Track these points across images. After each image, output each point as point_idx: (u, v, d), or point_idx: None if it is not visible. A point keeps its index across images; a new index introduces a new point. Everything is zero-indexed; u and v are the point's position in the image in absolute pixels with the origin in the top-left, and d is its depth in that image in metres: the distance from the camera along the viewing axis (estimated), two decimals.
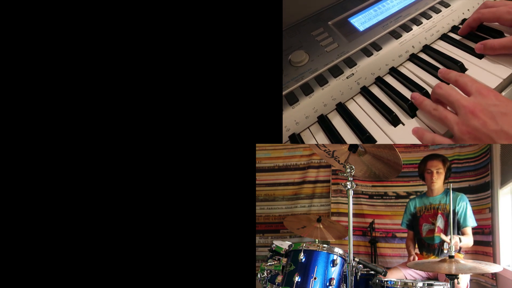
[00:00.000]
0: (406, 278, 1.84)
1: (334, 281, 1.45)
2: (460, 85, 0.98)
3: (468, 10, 1.44)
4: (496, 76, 1.12)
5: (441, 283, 1.52)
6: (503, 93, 1.12)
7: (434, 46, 1.34)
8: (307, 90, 1.17)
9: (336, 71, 1.21)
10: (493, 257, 2.15)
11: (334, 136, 1.10)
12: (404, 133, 1.05)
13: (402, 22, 1.37)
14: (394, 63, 1.29)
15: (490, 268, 1.42)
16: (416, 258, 1.92)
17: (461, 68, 1.19)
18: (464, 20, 1.40)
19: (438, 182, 1.94)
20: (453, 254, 1.41)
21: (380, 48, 1.28)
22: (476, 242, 1.95)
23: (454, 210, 1.87)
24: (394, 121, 1.08)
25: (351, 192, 1.32)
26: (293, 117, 1.14)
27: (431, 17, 1.39)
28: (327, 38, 1.31)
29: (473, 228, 1.89)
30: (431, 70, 1.22)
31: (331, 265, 1.48)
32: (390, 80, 1.25)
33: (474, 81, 0.96)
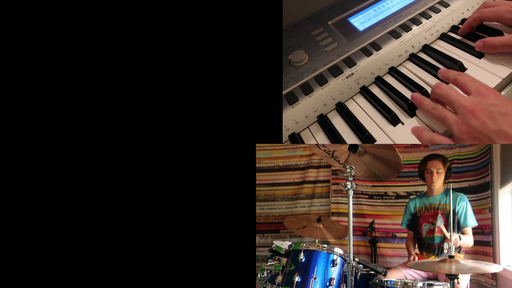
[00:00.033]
0: (406, 278, 1.84)
1: (334, 281, 1.45)
2: (459, 84, 0.98)
3: (468, 10, 1.44)
4: (495, 76, 1.12)
5: (441, 283, 1.52)
6: (503, 93, 1.12)
7: (434, 45, 1.34)
8: (307, 89, 1.17)
9: (335, 71, 1.21)
10: (493, 257, 2.15)
11: (334, 136, 1.10)
12: (404, 132, 1.05)
13: (401, 22, 1.37)
14: (394, 63, 1.29)
15: (490, 268, 1.42)
16: (416, 258, 1.92)
17: (461, 68, 1.19)
18: (463, 20, 1.40)
19: (438, 182, 1.94)
20: (453, 254, 1.41)
21: (380, 48, 1.28)
22: (476, 242, 1.95)
23: (454, 210, 1.87)
24: (394, 120, 1.08)
25: (351, 192, 1.32)
26: (293, 117, 1.14)
27: (431, 17, 1.39)
28: (327, 38, 1.31)
29: (473, 228, 1.89)
30: (431, 69, 1.22)
31: (331, 265, 1.48)
32: (389, 79, 1.25)
33: (474, 80, 0.96)
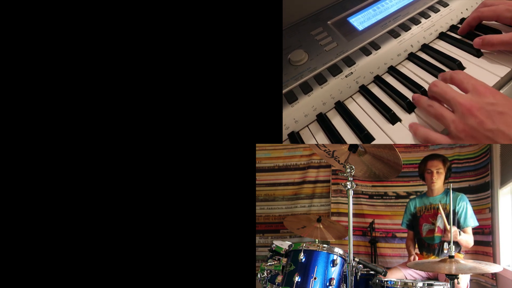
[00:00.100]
0: (406, 278, 1.84)
1: (334, 281, 1.45)
2: (456, 82, 0.98)
3: (467, 9, 1.45)
4: (494, 75, 1.12)
5: (441, 283, 1.52)
6: (501, 91, 1.12)
7: (433, 45, 1.35)
8: (306, 89, 1.17)
9: (335, 70, 1.21)
10: (493, 257, 2.14)
11: (334, 136, 1.10)
12: (402, 131, 1.06)
13: (401, 21, 1.37)
14: (393, 62, 1.29)
15: (490, 268, 1.42)
16: (416, 258, 1.92)
17: (459, 67, 1.19)
18: (462, 19, 1.40)
19: (438, 182, 1.94)
20: (453, 254, 1.41)
21: (379, 47, 1.29)
22: (476, 242, 1.95)
23: (454, 210, 1.87)
24: (392, 119, 1.09)
25: (351, 192, 1.32)
26: (292, 116, 1.14)
27: (430, 16, 1.40)
28: (326, 38, 1.31)
29: (473, 228, 1.89)
30: (430, 69, 1.23)
31: (331, 265, 1.48)
32: (388, 79, 1.25)
33: (470, 78, 0.96)
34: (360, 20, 1.38)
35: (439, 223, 1.89)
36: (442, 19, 1.40)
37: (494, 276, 2.13)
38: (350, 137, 1.09)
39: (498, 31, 1.25)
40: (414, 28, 1.36)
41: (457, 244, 1.83)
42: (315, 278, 1.45)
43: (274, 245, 1.78)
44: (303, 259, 1.49)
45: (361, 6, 1.43)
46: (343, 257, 1.51)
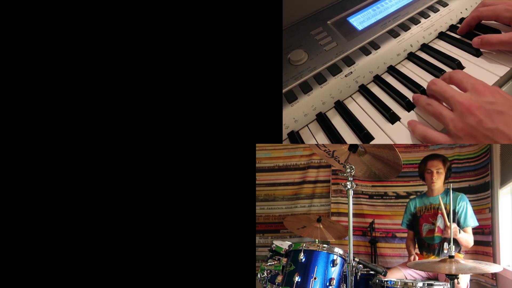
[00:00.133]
0: (406, 278, 1.84)
1: (334, 281, 1.45)
2: (454, 81, 0.98)
3: (466, 9, 1.45)
4: (493, 74, 1.12)
5: (441, 283, 1.52)
6: None
7: (432, 45, 1.35)
8: (306, 88, 1.17)
9: (334, 70, 1.22)
10: (493, 257, 2.14)
11: (333, 136, 1.10)
12: (402, 130, 1.06)
13: (400, 21, 1.38)
14: (392, 62, 1.29)
15: (490, 268, 1.42)
16: (417, 258, 1.92)
17: (459, 66, 1.19)
18: (462, 19, 1.41)
19: (438, 182, 1.94)
20: (453, 254, 1.41)
21: (379, 47, 1.29)
22: (476, 242, 1.95)
23: (454, 210, 1.87)
24: (392, 118, 1.09)
25: (351, 192, 1.32)
26: (292, 115, 1.14)
27: (429, 16, 1.40)
28: (326, 37, 1.32)
29: (473, 228, 1.89)
30: (429, 68, 1.23)
31: (331, 265, 1.48)
32: (388, 78, 1.25)
33: (470, 77, 0.96)
34: (359, 20, 1.39)
35: (439, 223, 1.89)
36: (442, 19, 1.41)
37: (494, 276, 2.13)
38: (349, 137, 1.09)
39: (497, 31, 1.25)
40: (414, 28, 1.36)
41: (457, 244, 1.83)
42: (315, 278, 1.45)
43: (274, 245, 1.78)
44: (303, 259, 1.49)
45: (361, 6, 1.43)
46: (343, 257, 1.51)
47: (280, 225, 2.69)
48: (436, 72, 1.20)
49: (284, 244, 1.75)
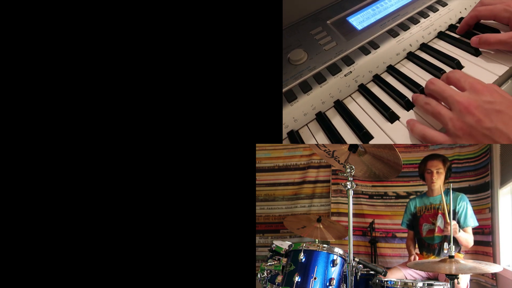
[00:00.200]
0: (406, 278, 1.84)
1: (334, 281, 1.45)
2: (452, 81, 0.98)
3: (465, 9, 1.45)
4: (492, 73, 1.12)
5: (441, 283, 1.52)
6: None
7: (432, 44, 1.35)
8: (305, 88, 1.18)
9: (334, 69, 1.22)
10: (493, 257, 2.14)
11: (333, 135, 1.10)
12: (401, 129, 1.06)
13: (399, 21, 1.38)
14: (392, 61, 1.29)
15: (490, 268, 1.42)
16: (417, 258, 1.92)
17: (458, 66, 1.20)
18: (461, 19, 1.41)
19: (438, 182, 1.94)
20: (453, 254, 1.41)
21: (378, 47, 1.29)
22: (476, 242, 1.95)
23: (454, 210, 1.87)
24: (391, 117, 1.09)
25: (351, 192, 1.32)
26: (291, 115, 1.14)
27: (429, 16, 1.40)
28: (325, 37, 1.32)
29: (473, 228, 1.89)
30: (429, 68, 1.23)
31: (331, 265, 1.48)
32: (388, 78, 1.25)
33: (467, 76, 0.96)
34: (359, 20, 1.39)
35: (439, 223, 1.89)
36: (441, 19, 1.41)
37: (494, 276, 2.13)
38: (349, 136, 1.09)
39: (496, 30, 1.25)
40: (413, 28, 1.36)
41: (457, 244, 1.83)
42: (315, 278, 1.45)
43: (274, 245, 1.78)
44: (303, 259, 1.49)
45: (360, 5, 1.43)
46: (343, 257, 1.51)
47: (280, 225, 2.69)
48: (435, 71, 1.20)
49: (284, 244, 1.75)
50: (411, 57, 1.31)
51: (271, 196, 2.77)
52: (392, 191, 2.58)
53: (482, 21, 1.30)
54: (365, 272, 1.51)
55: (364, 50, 1.28)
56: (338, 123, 1.14)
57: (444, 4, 1.44)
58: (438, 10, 1.42)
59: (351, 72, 1.23)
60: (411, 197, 2.21)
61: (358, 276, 1.44)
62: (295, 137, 1.12)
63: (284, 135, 1.13)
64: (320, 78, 1.20)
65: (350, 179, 1.34)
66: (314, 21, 1.39)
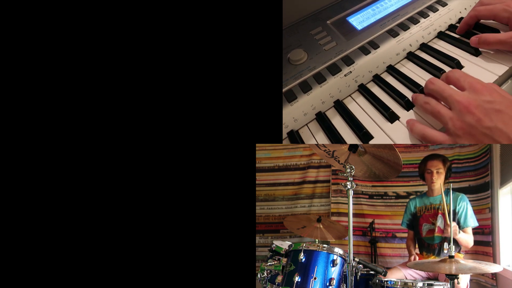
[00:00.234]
0: (406, 278, 1.84)
1: (334, 281, 1.45)
2: (452, 81, 0.98)
3: (465, 9, 1.45)
4: (492, 73, 1.12)
5: (441, 283, 1.52)
6: None
7: (431, 44, 1.35)
8: (305, 87, 1.18)
9: (334, 69, 1.22)
10: (493, 257, 2.14)
11: (333, 135, 1.10)
12: (401, 129, 1.06)
13: (399, 21, 1.38)
14: (392, 61, 1.29)
15: (490, 268, 1.42)
16: (417, 258, 1.92)
17: (458, 66, 1.20)
18: (461, 18, 1.41)
19: (438, 182, 1.94)
20: (453, 254, 1.41)
21: (378, 47, 1.29)
22: (476, 242, 1.95)
23: (454, 210, 1.87)
24: (391, 117, 1.09)
25: (351, 192, 1.32)
26: (291, 115, 1.14)
27: (429, 16, 1.40)
28: (325, 37, 1.32)
29: (473, 228, 1.89)
30: (429, 68, 1.23)
31: (331, 265, 1.48)
32: (387, 78, 1.25)
33: (467, 76, 0.96)
34: (359, 20, 1.39)
35: (439, 223, 1.89)
36: (441, 19, 1.41)
37: (494, 276, 2.13)
38: (349, 136, 1.09)
39: (496, 30, 1.25)
40: (413, 28, 1.36)
41: (457, 244, 1.83)
42: (315, 278, 1.45)
43: (274, 245, 1.78)
44: (303, 259, 1.49)
45: (360, 5, 1.43)
46: (343, 257, 1.51)
47: (280, 225, 2.69)
48: (435, 71, 1.20)
49: (284, 244, 1.75)
50: (411, 57, 1.31)
51: (271, 196, 2.77)
52: (392, 191, 2.58)
53: (481, 21, 1.30)
54: (365, 272, 1.51)
55: (364, 50, 1.28)
56: (338, 123, 1.14)
57: (444, 4, 1.44)
58: (438, 10, 1.42)
59: (351, 72, 1.23)
60: (411, 197, 2.21)
61: (358, 276, 1.44)
62: (295, 137, 1.12)
63: (284, 135, 1.13)
64: (320, 78, 1.20)
65: (350, 179, 1.34)
66: (314, 21, 1.39)
